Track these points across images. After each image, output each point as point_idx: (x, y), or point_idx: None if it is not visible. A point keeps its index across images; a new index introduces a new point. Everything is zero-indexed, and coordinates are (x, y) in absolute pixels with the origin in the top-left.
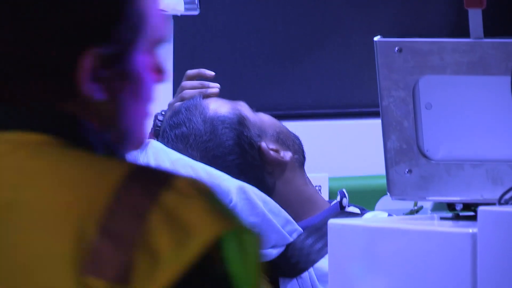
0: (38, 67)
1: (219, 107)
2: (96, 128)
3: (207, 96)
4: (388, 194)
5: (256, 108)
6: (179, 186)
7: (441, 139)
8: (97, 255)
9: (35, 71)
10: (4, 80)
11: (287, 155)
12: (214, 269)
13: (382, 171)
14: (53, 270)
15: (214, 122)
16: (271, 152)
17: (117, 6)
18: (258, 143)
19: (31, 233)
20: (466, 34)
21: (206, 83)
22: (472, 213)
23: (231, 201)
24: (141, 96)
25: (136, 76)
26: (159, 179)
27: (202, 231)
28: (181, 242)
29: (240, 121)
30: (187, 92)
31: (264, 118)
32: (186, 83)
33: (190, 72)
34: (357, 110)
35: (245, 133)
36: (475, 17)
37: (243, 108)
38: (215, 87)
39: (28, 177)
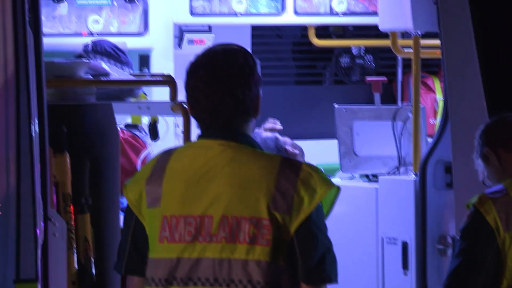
0: (249, 109)
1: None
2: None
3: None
4: (341, 171)
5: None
6: (305, 168)
7: (364, 147)
8: (275, 201)
9: (247, 111)
10: (231, 118)
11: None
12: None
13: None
14: (259, 204)
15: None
16: None
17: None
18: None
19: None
20: None
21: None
22: (377, 180)
23: None
24: None
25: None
26: (296, 165)
27: (320, 191)
28: (312, 196)
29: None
30: None
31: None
32: None
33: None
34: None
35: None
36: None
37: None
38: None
39: (237, 161)
